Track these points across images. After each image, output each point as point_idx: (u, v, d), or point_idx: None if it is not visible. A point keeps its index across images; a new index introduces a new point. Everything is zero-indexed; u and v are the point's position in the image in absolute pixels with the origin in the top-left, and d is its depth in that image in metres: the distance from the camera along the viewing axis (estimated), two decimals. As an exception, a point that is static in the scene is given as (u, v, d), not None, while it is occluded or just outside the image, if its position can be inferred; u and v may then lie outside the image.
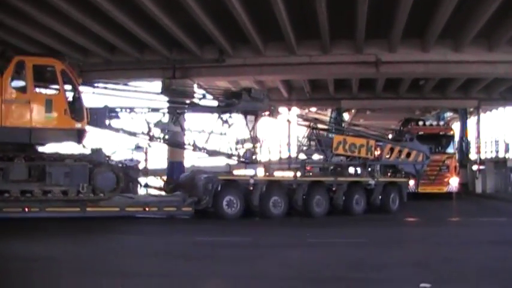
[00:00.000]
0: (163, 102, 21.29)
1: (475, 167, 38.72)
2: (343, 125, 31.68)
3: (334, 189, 21.76)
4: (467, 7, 21.92)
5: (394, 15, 22.43)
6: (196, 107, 21.57)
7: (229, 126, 21.33)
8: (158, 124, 20.17)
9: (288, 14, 22.39)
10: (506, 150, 40.19)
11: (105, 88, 20.52)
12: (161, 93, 27.75)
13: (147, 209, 18.79)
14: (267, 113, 22.18)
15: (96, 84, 20.57)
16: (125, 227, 17.80)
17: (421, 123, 33.19)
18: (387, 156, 24.02)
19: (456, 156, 33.26)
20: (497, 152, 41.61)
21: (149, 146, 26.30)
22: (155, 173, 31.88)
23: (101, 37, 25.54)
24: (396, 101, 39.94)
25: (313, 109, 48.59)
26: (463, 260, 11.79)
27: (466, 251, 13.30)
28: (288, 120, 25.83)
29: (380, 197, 22.63)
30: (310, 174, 24.28)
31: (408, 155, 24.24)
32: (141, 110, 20.16)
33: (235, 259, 11.91)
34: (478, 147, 41.07)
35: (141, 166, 28.96)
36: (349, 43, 26.84)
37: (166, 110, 20.65)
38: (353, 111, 48.16)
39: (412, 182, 28.52)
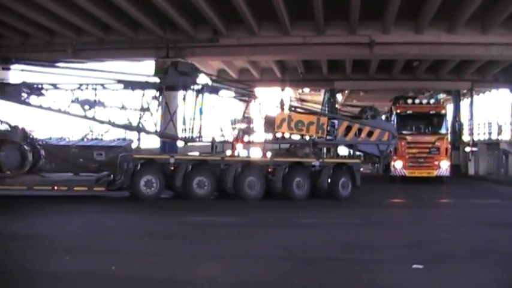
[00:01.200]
0: (89, 78, 20.68)
1: (467, 149, 38.86)
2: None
3: (270, 170, 20.35)
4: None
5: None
6: (124, 83, 20.71)
7: (160, 103, 20.61)
8: (77, 100, 19.71)
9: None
10: (499, 133, 40.35)
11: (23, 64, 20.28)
12: (154, 74, 27.83)
13: (55, 187, 18.73)
14: (198, 87, 20.96)
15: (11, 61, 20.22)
16: (115, 206, 17.85)
17: (409, 101, 30.37)
18: (362, 136, 22.16)
19: (448, 137, 30.98)
20: (490, 134, 41.79)
21: (142, 125, 26.20)
22: (149, 152, 31.87)
23: (95, 16, 25.38)
24: (389, 82, 39.89)
25: (307, 90, 48.65)
26: (455, 242, 11.86)
27: (458, 232, 13.39)
28: (281, 101, 25.06)
29: (328, 180, 20.62)
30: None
31: (370, 134, 22.13)
32: (66, 86, 19.86)
33: (226, 239, 11.96)
34: (471, 129, 41.18)
35: (134, 145, 28.94)
36: (343, 24, 26.75)
37: (90, 86, 20.06)
38: (346, 92, 48.16)
39: (400, 165, 28.64)
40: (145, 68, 31.33)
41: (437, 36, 27.00)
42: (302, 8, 24.77)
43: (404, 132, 28.77)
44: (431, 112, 29.75)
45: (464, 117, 43.04)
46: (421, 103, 30.12)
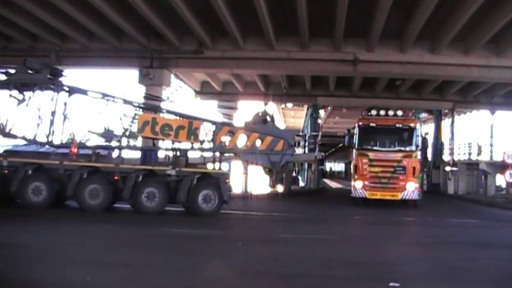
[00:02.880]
0: None
1: (447, 168, 39.15)
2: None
3: (117, 178, 18.54)
4: (445, 11, 22.14)
5: (373, 14, 22.54)
6: None
7: (20, 102, 19.04)
8: None
9: (268, 9, 22.40)
10: (479, 153, 40.67)
11: None
12: (139, 82, 27.78)
13: None
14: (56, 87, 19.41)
15: None
16: (97, 216, 17.66)
17: (373, 112, 26.19)
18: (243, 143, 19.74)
19: (418, 154, 25.64)
20: (470, 154, 42.06)
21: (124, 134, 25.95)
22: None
23: (79, 23, 25.25)
24: (372, 100, 39.83)
25: (290, 105, 48.82)
26: (433, 260, 11.84)
27: (436, 250, 13.38)
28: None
29: (189, 192, 18.49)
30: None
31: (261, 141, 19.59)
32: None
33: (205, 252, 11.89)
34: (452, 149, 41.48)
35: (114, 154, 28.77)
36: (327, 41, 26.91)
37: None
38: (329, 108, 48.29)
39: (360, 185, 25.14)
40: (129, 77, 31.31)
41: (421, 56, 27.30)
42: (287, 23, 24.90)
43: (365, 147, 25.59)
44: (397, 125, 25.54)
45: (445, 137, 43.46)
46: (386, 115, 25.92)
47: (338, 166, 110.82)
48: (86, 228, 14.84)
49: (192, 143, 19.61)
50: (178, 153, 19.92)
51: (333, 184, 64.05)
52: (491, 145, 41.69)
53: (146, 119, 19.46)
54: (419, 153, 25.55)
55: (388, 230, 18.34)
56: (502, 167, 31.22)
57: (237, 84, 38.99)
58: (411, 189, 24.62)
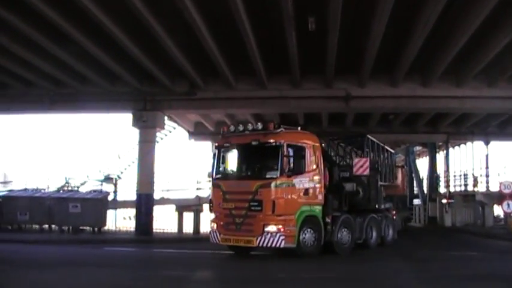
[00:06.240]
0: None
1: (444, 201, 39.10)
2: None
3: None
4: (435, 44, 22.26)
5: (363, 50, 22.65)
6: None
7: None
8: None
9: (259, 49, 22.51)
10: (475, 184, 40.68)
11: None
12: (132, 125, 27.78)
13: None
14: None
15: None
16: (92, 258, 17.50)
17: (232, 128, 19.44)
18: None
19: (287, 183, 17.82)
20: (466, 185, 42.09)
21: (119, 177, 25.88)
22: (125, 204, 31.70)
23: (72, 67, 25.32)
24: (366, 135, 39.96)
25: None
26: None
27: (438, 285, 13.28)
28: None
29: None
30: None
31: None
32: None
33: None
34: (447, 181, 41.50)
35: (110, 198, 28.72)
36: (319, 78, 27.00)
37: None
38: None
39: (214, 226, 18.75)
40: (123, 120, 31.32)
41: (413, 89, 27.37)
42: (279, 62, 24.94)
43: (221, 176, 19.33)
44: (253, 143, 18.38)
45: (440, 169, 43.54)
46: (245, 130, 18.96)
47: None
48: (76, 273, 14.65)
49: None
50: None
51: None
52: (487, 176, 41.68)
53: None
54: (294, 181, 18.06)
55: (387, 265, 17.88)
56: (499, 197, 31.15)
57: (230, 124, 39.00)
58: (272, 231, 17.19)
